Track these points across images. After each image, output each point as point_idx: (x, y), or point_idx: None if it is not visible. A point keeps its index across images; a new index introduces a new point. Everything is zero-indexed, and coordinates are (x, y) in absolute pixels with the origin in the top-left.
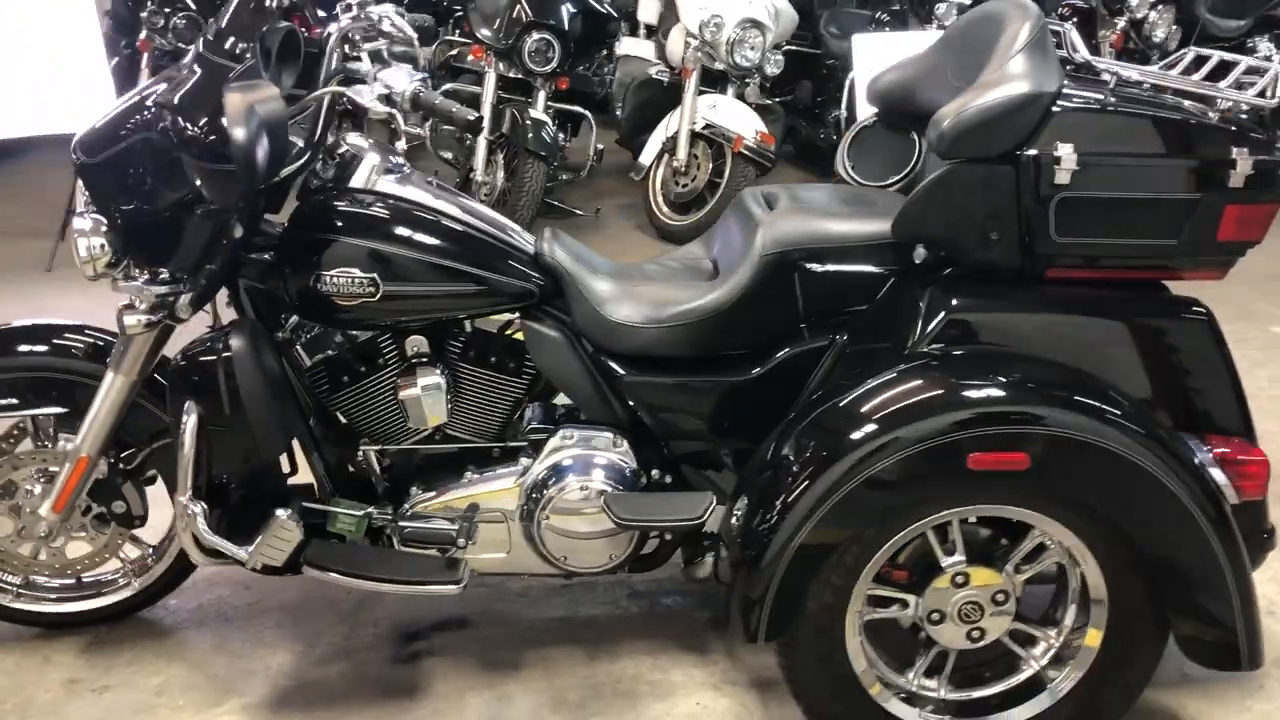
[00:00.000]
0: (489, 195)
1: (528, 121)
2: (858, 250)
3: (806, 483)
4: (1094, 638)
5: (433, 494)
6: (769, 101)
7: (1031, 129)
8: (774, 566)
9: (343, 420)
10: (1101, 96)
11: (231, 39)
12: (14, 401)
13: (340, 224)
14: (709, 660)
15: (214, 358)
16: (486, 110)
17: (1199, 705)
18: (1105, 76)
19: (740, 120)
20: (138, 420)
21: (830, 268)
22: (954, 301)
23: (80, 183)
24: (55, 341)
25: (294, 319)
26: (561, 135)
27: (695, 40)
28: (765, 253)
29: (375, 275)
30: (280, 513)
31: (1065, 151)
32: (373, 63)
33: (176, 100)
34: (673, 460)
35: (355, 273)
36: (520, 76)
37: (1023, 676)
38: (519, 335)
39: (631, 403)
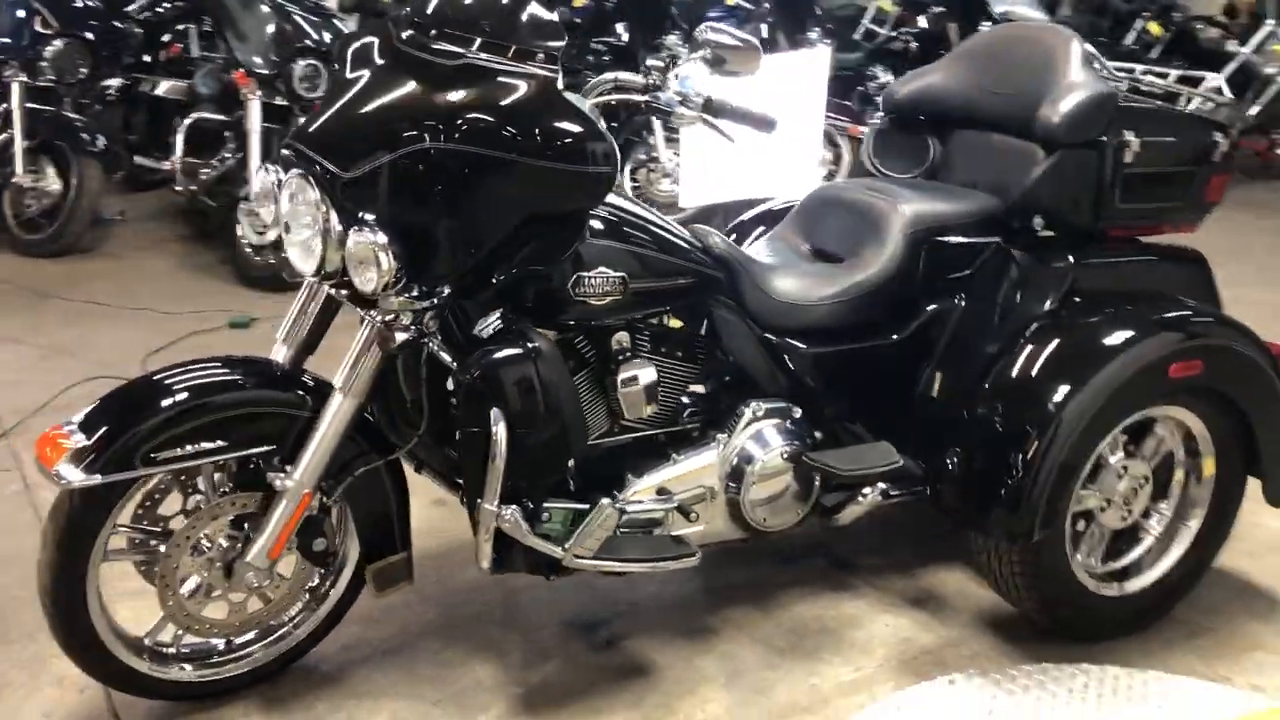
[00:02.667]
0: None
1: None
2: (968, 225)
3: (1054, 413)
4: (1210, 469)
5: (646, 479)
6: None
7: (1109, 121)
8: (1045, 484)
9: None
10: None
11: (534, 44)
12: (223, 444)
13: (592, 227)
14: (860, 594)
15: (527, 361)
16: (255, 142)
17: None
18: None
19: None
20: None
21: (949, 240)
22: (1071, 259)
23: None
24: (229, 376)
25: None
26: None
27: None
28: (910, 230)
29: (624, 274)
30: (605, 502)
31: (1131, 137)
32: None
33: (500, 107)
34: (827, 420)
35: (609, 272)
36: (284, 104)
37: (1145, 545)
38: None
39: (797, 372)
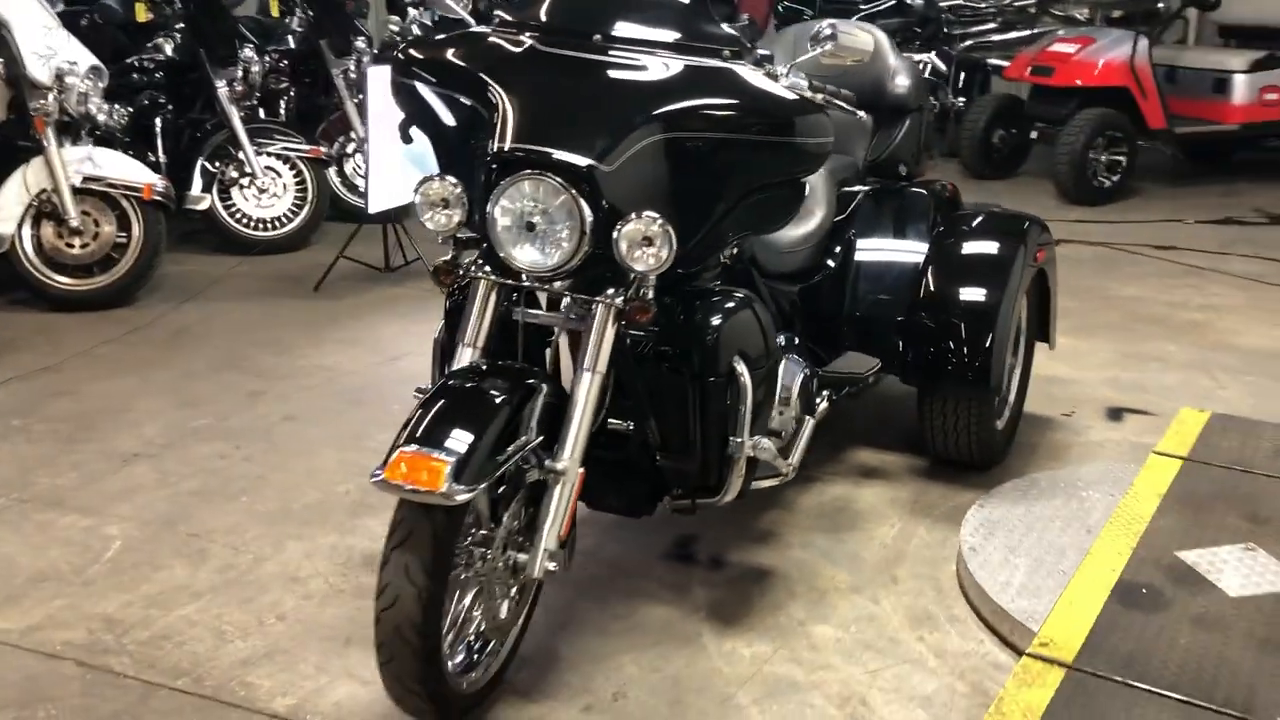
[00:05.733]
0: None
1: None
2: (851, 177)
3: (993, 305)
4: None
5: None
6: None
7: (922, 91)
8: (999, 355)
9: None
10: None
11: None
12: (526, 439)
13: None
14: (828, 481)
15: (747, 308)
16: None
17: None
18: None
19: (130, 169)
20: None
21: (844, 190)
22: (927, 193)
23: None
24: (501, 378)
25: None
26: None
27: (51, 90)
28: (834, 184)
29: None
30: (809, 419)
31: (933, 101)
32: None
33: (755, 94)
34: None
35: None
36: None
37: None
38: None
39: (787, 306)
